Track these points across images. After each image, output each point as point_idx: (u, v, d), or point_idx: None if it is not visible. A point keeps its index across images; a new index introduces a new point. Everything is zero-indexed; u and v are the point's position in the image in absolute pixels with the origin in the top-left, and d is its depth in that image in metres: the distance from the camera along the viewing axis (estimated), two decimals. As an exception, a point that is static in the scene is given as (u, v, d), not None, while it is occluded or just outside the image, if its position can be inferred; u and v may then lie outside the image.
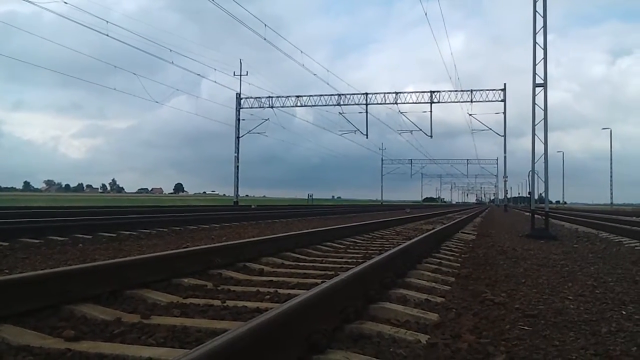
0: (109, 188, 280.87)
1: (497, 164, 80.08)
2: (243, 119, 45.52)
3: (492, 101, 42.67)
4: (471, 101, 42.41)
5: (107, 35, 26.86)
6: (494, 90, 42.64)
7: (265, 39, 30.76)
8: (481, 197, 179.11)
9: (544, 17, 13.27)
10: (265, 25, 31.07)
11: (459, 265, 6.30)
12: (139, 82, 33.79)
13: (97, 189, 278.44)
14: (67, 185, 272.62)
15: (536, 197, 14.15)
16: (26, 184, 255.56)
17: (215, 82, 38.72)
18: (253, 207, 35.13)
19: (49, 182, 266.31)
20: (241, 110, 45.55)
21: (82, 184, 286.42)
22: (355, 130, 44.48)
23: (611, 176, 68.37)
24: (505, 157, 48.36)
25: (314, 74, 38.59)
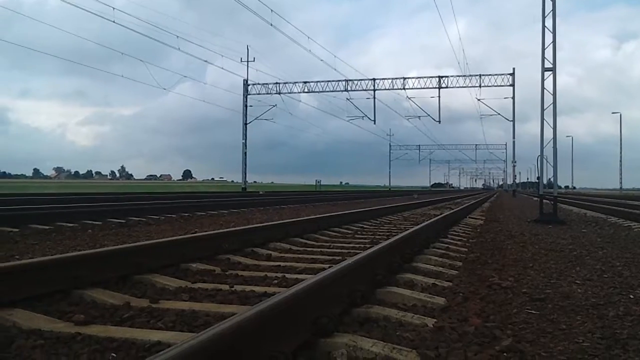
0: (117, 175, 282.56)
1: (505, 148, 79.84)
2: (250, 105, 45.50)
3: (500, 86, 42.32)
4: (480, 86, 42.08)
5: (114, 22, 26.86)
6: (502, 75, 42.28)
7: (272, 25, 30.64)
8: (490, 183, 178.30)
9: (553, 0, 13.09)
10: (272, 10, 30.93)
11: (466, 250, 6.29)
12: (142, 69, 33.76)
13: (106, 175, 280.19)
14: (77, 172, 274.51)
15: (545, 182, 14.07)
16: (36, 171, 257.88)
17: (222, 68, 38.65)
18: (261, 193, 35.20)
19: (59, 169, 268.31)
20: (248, 96, 45.47)
21: (91, 170, 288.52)
22: (363, 116, 44.33)
23: (620, 161, 67.76)
24: (514, 142, 48.05)
25: (321, 60, 38.49)
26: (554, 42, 13.02)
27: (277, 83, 44.40)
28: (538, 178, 14.42)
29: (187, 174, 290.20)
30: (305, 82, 44.43)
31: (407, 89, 42.87)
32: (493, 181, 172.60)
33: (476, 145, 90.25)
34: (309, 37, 36.66)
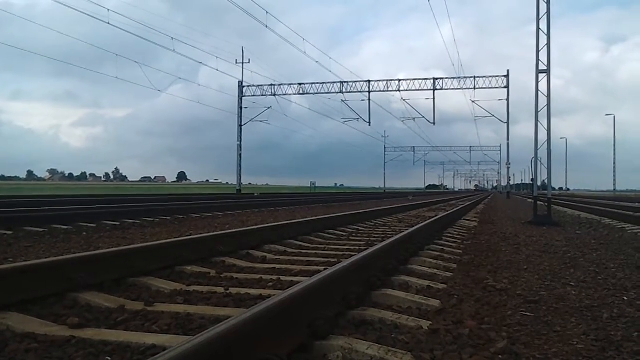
0: (112, 177, 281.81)
1: (500, 150, 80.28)
2: (246, 107, 45.49)
3: (495, 88, 42.51)
4: (474, 88, 42.21)
5: (109, 23, 26.78)
6: (496, 77, 42.46)
7: (266, 26, 30.67)
8: (484, 184, 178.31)
9: (548, 2, 13.16)
10: (267, 12, 30.95)
11: (461, 252, 6.30)
12: (133, 71, 33.74)
13: (100, 177, 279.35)
14: (71, 174, 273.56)
15: (539, 183, 14.13)
16: (30, 173, 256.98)
17: (217, 69, 38.66)
18: (256, 195, 35.17)
19: (53, 171, 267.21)
20: (242, 98, 45.46)
21: (85, 172, 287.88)
22: (358, 118, 44.35)
23: (614, 163, 68.13)
24: (508, 143, 48.15)
25: (316, 62, 38.51)
26: (548, 44, 13.08)
27: (272, 85, 44.42)
28: (532, 180, 14.48)
29: (181, 176, 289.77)
30: (300, 84, 44.47)
31: (402, 90, 42.96)
32: (487, 182, 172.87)
33: (470, 147, 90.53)
34: (304, 39, 36.66)
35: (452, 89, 42.35)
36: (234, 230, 6.35)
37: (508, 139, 47.45)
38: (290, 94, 44.75)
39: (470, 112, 44.72)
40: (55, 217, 9.42)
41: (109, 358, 2.31)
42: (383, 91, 43.44)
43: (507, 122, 45.51)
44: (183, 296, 3.54)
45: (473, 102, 43.32)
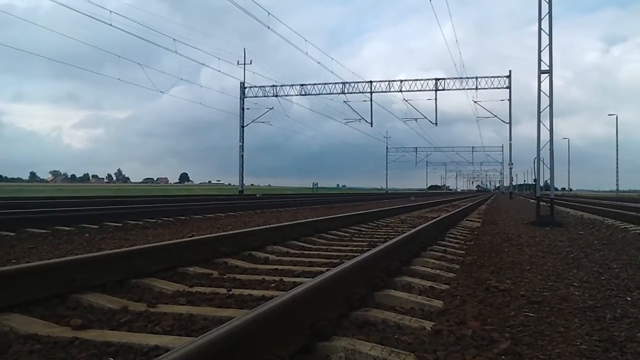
0: (114, 178, 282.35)
1: (502, 150, 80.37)
2: (247, 108, 45.54)
3: (497, 88, 42.48)
4: (476, 88, 42.16)
5: (110, 24, 26.83)
6: (498, 77, 42.42)
7: (269, 27, 30.71)
8: (486, 184, 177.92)
9: (549, 2, 13.14)
10: (269, 13, 30.98)
11: (463, 252, 6.30)
12: (133, 72, 33.73)
13: (103, 179, 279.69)
14: (73, 176, 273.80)
15: (541, 184, 14.10)
16: (32, 174, 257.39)
17: (219, 70, 38.76)
18: (258, 195, 35.16)
19: (55, 173, 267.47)
20: (244, 99, 45.52)
21: (87, 174, 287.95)
22: (360, 119, 44.36)
23: (617, 163, 68.04)
24: (510, 144, 48.15)
25: (318, 62, 38.54)
26: (550, 45, 13.05)
27: (273, 86, 44.45)
28: (535, 180, 14.46)
29: (184, 177, 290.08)
30: (302, 85, 44.48)
31: (404, 91, 42.92)
32: (490, 183, 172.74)
33: (473, 147, 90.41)
34: (306, 40, 36.71)
35: (454, 89, 42.34)
36: (236, 231, 6.35)
37: (510, 140, 47.46)
38: (292, 95, 44.83)
39: (472, 112, 44.78)
40: (57, 218, 9.44)
41: (112, 359, 2.31)
42: (385, 92, 43.47)
43: (510, 123, 45.51)
44: (186, 297, 3.54)
45: (475, 102, 43.31)
